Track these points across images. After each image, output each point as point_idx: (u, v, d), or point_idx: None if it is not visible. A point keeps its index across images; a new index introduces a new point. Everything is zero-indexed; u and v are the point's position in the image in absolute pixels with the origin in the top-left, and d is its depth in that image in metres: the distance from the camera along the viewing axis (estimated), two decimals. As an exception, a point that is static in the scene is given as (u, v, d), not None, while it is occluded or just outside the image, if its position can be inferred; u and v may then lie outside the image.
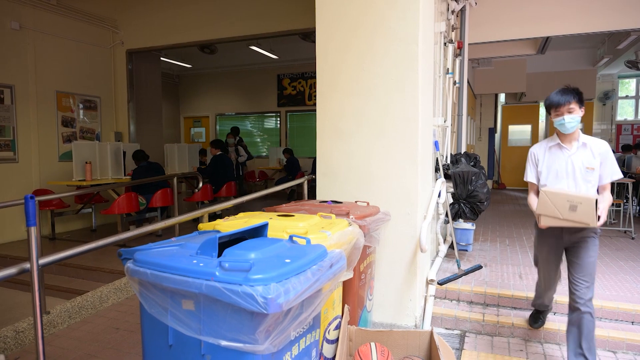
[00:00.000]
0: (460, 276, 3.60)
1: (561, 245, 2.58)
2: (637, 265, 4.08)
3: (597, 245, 2.50)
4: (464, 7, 4.87)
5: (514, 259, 4.24)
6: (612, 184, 7.03)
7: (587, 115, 10.62)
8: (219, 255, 1.39)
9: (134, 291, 1.45)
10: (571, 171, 2.45)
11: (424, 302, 3.16)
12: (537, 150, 2.59)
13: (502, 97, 11.48)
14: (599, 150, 2.42)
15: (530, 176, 2.64)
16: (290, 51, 9.60)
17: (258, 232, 1.66)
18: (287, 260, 1.37)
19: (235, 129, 9.36)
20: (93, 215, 6.73)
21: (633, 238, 5.35)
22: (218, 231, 1.79)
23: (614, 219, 6.46)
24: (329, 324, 2.09)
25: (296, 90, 10.96)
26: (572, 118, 2.39)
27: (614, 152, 8.74)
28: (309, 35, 6.43)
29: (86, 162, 6.00)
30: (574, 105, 2.37)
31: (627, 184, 5.82)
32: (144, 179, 5.72)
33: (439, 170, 3.75)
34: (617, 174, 2.43)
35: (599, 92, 10.43)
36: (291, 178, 8.98)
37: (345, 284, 2.31)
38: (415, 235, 2.99)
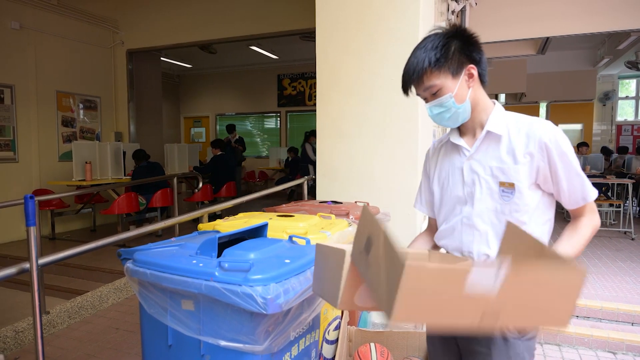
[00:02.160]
0: (460, 277, 3.59)
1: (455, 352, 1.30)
2: (636, 266, 4.08)
3: None
4: (464, 7, 4.87)
5: (514, 260, 4.24)
6: (612, 186, 7.10)
7: (587, 115, 10.62)
8: (219, 255, 1.39)
9: (133, 291, 1.45)
10: (469, 192, 1.21)
11: (424, 302, 3.15)
12: (430, 151, 1.40)
13: (502, 98, 11.48)
14: (532, 140, 1.14)
15: (418, 202, 1.45)
16: (291, 51, 9.60)
17: (258, 232, 1.66)
18: (287, 261, 1.37)
19: (231, 126, 9.02)
20: (93, 215, 6.73)
21: (633, 239, 5.35)
22: (218, 231, 1.79)
23: (614, 220, 6.47)
24: (329, 325, 2.09)
25: (296, 91, 10.96)
26: (439, 106, 1.18)
27: (610, 152, 8.85)
28: (309, 36, 6.43)
29: (86, 162, 6.00)
30: (435, 80, 1.16)
31: (627, 184, 5.81)
32: (144, 179, 5.72)
33: (439, 170, 3.74)
34: (585, 186, 1.13)
35: (599, 92, 10.44)
36: (291, 178, 8.98)
37: (345, 285, 2.30)
38: (415, 235, 2.99)
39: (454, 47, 1.16)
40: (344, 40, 3.10)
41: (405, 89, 1.24)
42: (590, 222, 1.15)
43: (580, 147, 7.70)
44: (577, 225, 1.15)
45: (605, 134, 10.64)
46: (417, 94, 1.24)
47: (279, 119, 11.36)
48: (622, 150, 8.20)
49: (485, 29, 5.67)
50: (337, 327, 2.18)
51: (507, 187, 1.15)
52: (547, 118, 11.04)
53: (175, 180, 5.57)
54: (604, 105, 10.61)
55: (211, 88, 12.16)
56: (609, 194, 6.38)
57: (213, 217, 4.68)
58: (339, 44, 3.12)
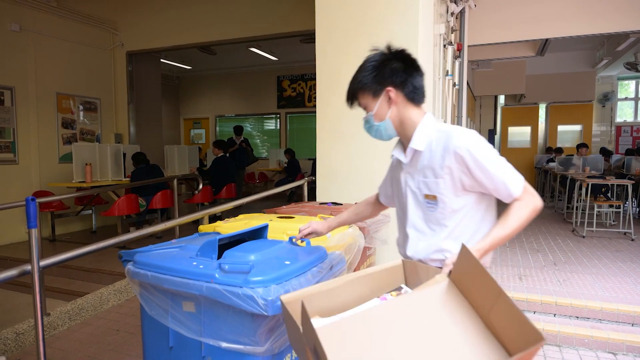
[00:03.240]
0: (460, 278, 3.59)
1: None
2: (637, 267, 4.08)
3: None
4: (463, 9, 4.88)
5: (514, 261, 4.24)
6: (611, 186, 7.12)
7: (586, 117, 10.63)
8: (219, 257, 1.40)
9: (134, 293, 1.45)
10: (405, 202, 1.33)
11: (424, 303, 3.16)
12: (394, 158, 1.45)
13: (501, 99, 11.50)
14: (448, 153, 1.19)
15: (380, 189, 1.63)
16: (290, 53, 9.61)
17: (258, 233, 1.67)
18: (287, 262, 1.37)
19: (239, 127, 8.94)
20: (93, 217, 6.73)
21: (633, 239, 5.35)
22: (218, 233, 1.79)
23: (613, 221, 6.47)
24: (329, 326, 2.09)
25: (296, 92, 10.97)
26: (366, 122, 1.34)
27: (609, 153, 8.88)
28: (309, 38, 6.44)
29: (86, 164, 6.00)
30: (361, 99, 1.32)
31: (627, 185, 5.82)
32: (144, 181, 5.72)
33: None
34: (508, 185, 1.17)
35: (598, 93, 10.45)
36: (291, 179, 8.97)
37: (345, 286, 2.30)
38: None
39: (377, 72, 1.29)
40: (343, 42, 3.11)
41: (348, 102, 1.36)
42: (524, 203, 1.18)
43: (580, 148, 7.70)
44: (511, 207, 1.19)
45: (605, 135, 10.66)
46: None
47: (278, 120, 11.37)
48: (630, 152, 8.23)
49: (485, 31, 5.68)
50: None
51: (431, 199, 1.25)
52: (546, 119, 11.11)
53: (175, 181, 5.57)
54: (604, 106, 10.62)
55: (211, 89, 12.16)
56: (609, 194, 6.38)
57: (213, 218, 4.68)
58: (339, 46, 3.13)
